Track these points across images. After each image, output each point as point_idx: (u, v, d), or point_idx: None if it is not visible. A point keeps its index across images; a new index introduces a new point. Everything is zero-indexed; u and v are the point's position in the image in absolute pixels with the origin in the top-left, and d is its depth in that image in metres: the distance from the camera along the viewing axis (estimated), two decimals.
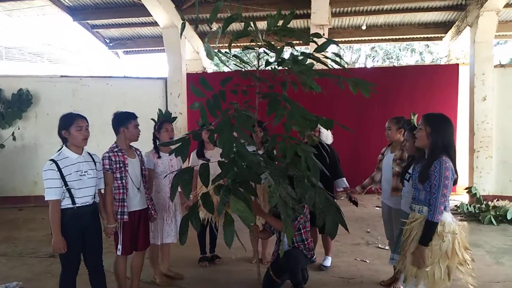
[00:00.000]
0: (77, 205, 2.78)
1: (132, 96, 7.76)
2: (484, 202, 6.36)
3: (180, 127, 7.80)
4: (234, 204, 2.47)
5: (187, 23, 2.71)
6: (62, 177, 2.71)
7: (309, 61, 2.76)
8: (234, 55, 2.92)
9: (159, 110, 3.88)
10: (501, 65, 7.32)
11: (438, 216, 2.44)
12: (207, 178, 2.77)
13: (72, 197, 2.75)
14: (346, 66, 3.00)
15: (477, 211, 6.11)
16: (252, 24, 2.85)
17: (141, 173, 3.33)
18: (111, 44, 9.77)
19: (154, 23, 8.26)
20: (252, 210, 2.56)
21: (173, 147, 3.11)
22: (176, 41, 7.69)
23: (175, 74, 7.99)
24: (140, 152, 3.46)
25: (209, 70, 9.82)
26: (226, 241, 2.56)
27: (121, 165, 3.14)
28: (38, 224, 6.17)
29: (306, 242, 3.47)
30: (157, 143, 3.72)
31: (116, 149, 3.19)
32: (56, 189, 2.69)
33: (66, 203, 2.75)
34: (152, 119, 3.82)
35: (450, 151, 2.52)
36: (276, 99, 2.60)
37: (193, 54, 9.16)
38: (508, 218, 5.80)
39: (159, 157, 3.68)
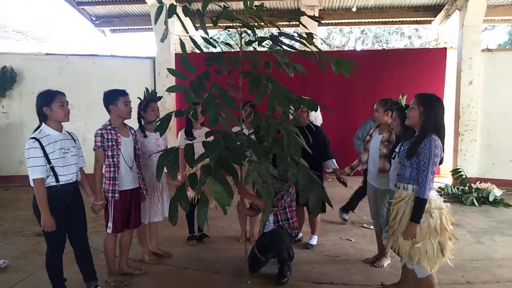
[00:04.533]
0: (60, 183, 2.76)
1: (119, 75, 7.64)
2: (467, 184, 6.53)
3: (169, 107, 7.74)
4: (212, 185, 2.50)
5: (174, 5, 2.65)
6: (45, 155, 2.68)
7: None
8: (209, 40, 2.88)
9: (146, 89, 3.84)
10: (488, 50, 7.39)
11: (428, 192, 2.49)
12: (191, 158, 2.78)
13: (56, 175, 2.73)
14: (334, 48, 2.99)
15: (460, 193, 6.28)
16: (227, 6, 2.81)
17: (134, 152, 3.32)
18: (97, 22, 9.52)
19: (142, 0, 8.08)
20: (230, 193, 2.58)
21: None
22: (163, 19, 7.53)
23: (163, 53, 7.88)
24: (135, 131, 3.44)
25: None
26: (199, 222, 2.60)
27: (113, 143, 3.12)
28: (24, 203, 6.13)
29: (291, 221, 3.54)
30: (142, 122, 3.70)
31: (109, 127, 3.16)
32: (40, 167, 2.66)
33: (50, 181, 2.73)
34: (139, 98, 3.78)
35: (440, 130, 2.56)
36: (258, 78, 2.60)
37: (183, 33, 8.99)
38: (490, 200, 5.98)
39: (145, 136, 3.66)
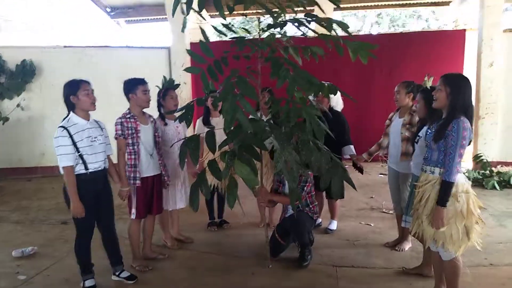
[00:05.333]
0: (89, 170, 2.83)
1: (136, 66, 7.64)
2: (489, 168, 6.42)
3: (185, 97, 7.78)
4: (239, 167, 2.52)
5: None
6: (74, 143, 2.75)
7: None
8: (229, 26, 2.87)
9: (164, 77, 3.88)
10: (510, 30, 7.17)
11: (455, 176, 2.42)
12: (213, 145, 2.82)
13: (84, 163, 2.80)
14: (352, 33, 2.95)
15: (481, 177, 6.18)
16: None
17: (154, 140, 3.37)
18: (112, 14, 9.59)
19: None
20: (257, 174, 2.60)
21: (178, 114, 3.15)
22: (179, 9, 7.54)
23: (179, 43, 7.88)
24: (154, 119, 3.49)
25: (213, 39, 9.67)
26: (229, 204, 2.63)
27: (133, 131, 3.18)
28: (47, 193, 6.30)
29: (311, 206, 3.57)
30: (162, 110, 3.74)
31: (128, 115, 3.22)
32: (69, 155, 2.73)
33: (79, 169, 2.81)
34: (157, 86, 3.83)
35: (468, 111, 2.49)
36: (279, 62, 2.59)
37: (198, 21, 9.01)
38: (511, 183, 5.88)
39: (166, 124, 3.71)
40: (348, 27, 2.62)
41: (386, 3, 9.65)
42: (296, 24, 2.63)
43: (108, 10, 9.47)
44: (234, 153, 2.57)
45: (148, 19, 10.11)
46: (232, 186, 2.63)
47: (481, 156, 6.78)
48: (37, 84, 7.75)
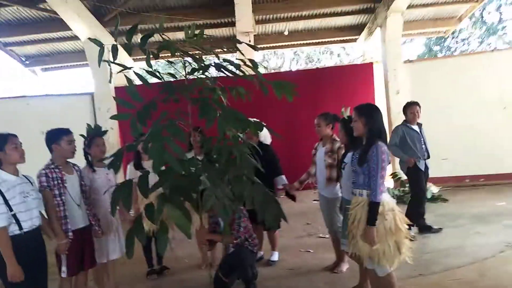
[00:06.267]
0: (24, 230, 2.64)
1: (56, 115, 7.34)
2: (406, 185, 7.01)
3: (113, 142, 7.54)
4: (170, 211, 2.50)
5: (107, 45, 2.68)
6: (6, 201, 2.56)
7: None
8: (151, 74, 2.94)
9: (88, 125, 3.76)
10: (410, 61, 8.16)
11: (380, 196, 2.63)
12: (146, 189, 2.77)
13: (18, 222, 2.60)
14: (271, 71, 3.15)
15: (401, 194, 6.74)
16: (168, 37, 2.90)
17: (81, 189, 3.23)
18: (27, 62, 9.14)
19: (75, 37, 7.94)
20: (189, 218, 2.59)
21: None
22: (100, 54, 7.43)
23: (102, 88, 7.74)
24: (79, 167, 3.35)
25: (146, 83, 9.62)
26: (159, 250, 2.58)
27: (59, 181, 3.02)
28: None
29: (250, 240, 3.59)
30: (89, 158, 3.62)
31: (52, 166, 3.06)
32: (2, 215, 2.53)
33: (13, 229, 2.60)
34: (81, 135, 3.70)
35: (382, 135, 2.76)
36: (207, 103, 2.68)
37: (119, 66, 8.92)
38: (429, 197, 6.47)
39: (94, 171, 3.58)
40: (258, 67, 2.80)
41: (301, 42, 10.43)
42: (218, 67, 2.77)
43: (23, 59, 9.02)
44: (165, 197, 2.54)
45: (67, 65, 9.79)
46: (163, 231, 2.58)
47: (397, 174, 7.39)
48: None
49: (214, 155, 2.83)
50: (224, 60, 2.81)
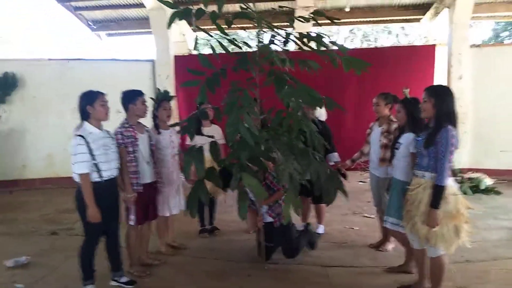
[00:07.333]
0: (104, 178, 2.95)
1: (120, 79, 7.70)
2: (460, 174, 6.83)
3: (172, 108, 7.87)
4: (247, 180, 2.67)
5: (190, 9, 2.80)
6: (91, 151, 2.87)
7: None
8: (233, 40, 3.05)
9: (158, 89, 4.03)
10: (477, 45, 7.72)
11: (446, 180, 2.62)
12: (218, 155, 2.97)
13: (99, 171, 2.92)
14: (331, 47, 3.17)
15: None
16: (250, 5, 2.99)
17: (150, 148, 3.51)
18: (94, 27, 9.64)
19: (140, 5, 8.24)
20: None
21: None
22: (163, 23, 7.71)
23: (163, 56, 8.04)
24: (148, 128, 3.63)
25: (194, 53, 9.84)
26: (240, 214, 2.78)
27: (133, 139, 3.31)
28: (33, 206, 6.25)
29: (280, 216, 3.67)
30: (156, 121, 3.88)
31: (127, 125, 3.35)
32: (86, 163, 2.85)
33: (94, 176, 2.92)
34: (151, 98, 3.96)
35: (453, 119, 2.70)
36: (282, 77, 2.78)
37: (180, 36, 9.21)
38: (482, 188, 6.30)
39: (159, 133, 3.84)
40: (348, 50, 2.84)
41: (361, 19, 10.12)
42: (303, 37, 2.84)
43: (91, 23, 9.51)
44: (242, 166, 2.71)
45: (130, 32, 10.19)
46: (243, 198, 2.77)
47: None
48: (19, 96, 7.70)
49: (284, 129, 2.92)
50: (301, 34, 2.88)
